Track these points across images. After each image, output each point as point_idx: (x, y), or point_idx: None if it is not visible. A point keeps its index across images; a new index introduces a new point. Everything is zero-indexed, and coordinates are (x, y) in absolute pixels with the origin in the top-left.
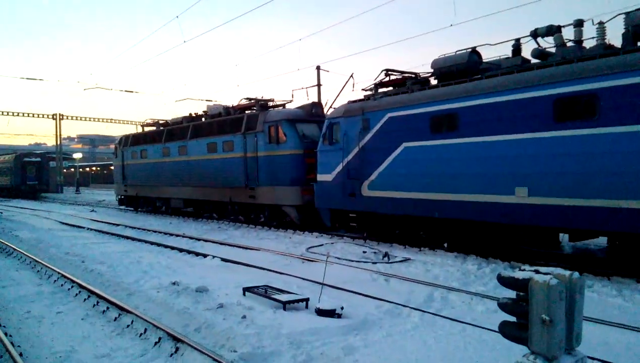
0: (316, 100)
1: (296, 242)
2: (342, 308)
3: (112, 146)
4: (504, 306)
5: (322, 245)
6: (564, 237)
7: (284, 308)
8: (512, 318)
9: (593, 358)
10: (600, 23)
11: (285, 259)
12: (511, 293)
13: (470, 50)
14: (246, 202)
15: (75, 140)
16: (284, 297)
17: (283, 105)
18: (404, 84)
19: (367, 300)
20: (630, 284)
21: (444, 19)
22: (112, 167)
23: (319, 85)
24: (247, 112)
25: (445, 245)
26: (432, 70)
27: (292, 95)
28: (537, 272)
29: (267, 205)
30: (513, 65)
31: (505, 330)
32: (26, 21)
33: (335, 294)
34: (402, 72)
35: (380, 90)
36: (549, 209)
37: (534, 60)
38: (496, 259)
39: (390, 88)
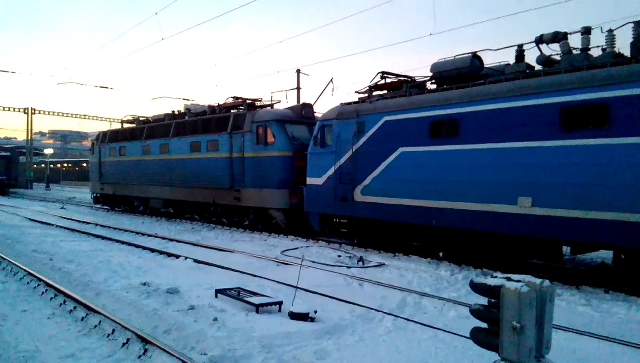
0: (296, 103)
1: (271, 245)
2: (315, 312)
3: (85, 143)
4: (475, 312)
5: (297, 248)
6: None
7: (257, 311)
8: (484, 325)
9: None
10: (610, 31)
11: (259, 262)
12: (483, 300)
13: (471, 54)
14: (230, 204)
15: (47, 135)
16: (256, 300)
17: (271, 106)
18: (400, 87)
19: (341, 305)
20: (599, 294)
21: (424, 27)
22: (88, 164)
23: (298, 88)
24: (233, 111)
25: (441, 254)
26: (430, 74)
27: (272, 97)
28: (509, 279)
29: (253, 208)
30: (518, 71)
31: (476, 336)
32: None
33: (309, 298)
34: (397, 75)
35: (375, 93)
36: (553, 220)
37: (538, 67)
38: (469, 266)
39: (385, 91)
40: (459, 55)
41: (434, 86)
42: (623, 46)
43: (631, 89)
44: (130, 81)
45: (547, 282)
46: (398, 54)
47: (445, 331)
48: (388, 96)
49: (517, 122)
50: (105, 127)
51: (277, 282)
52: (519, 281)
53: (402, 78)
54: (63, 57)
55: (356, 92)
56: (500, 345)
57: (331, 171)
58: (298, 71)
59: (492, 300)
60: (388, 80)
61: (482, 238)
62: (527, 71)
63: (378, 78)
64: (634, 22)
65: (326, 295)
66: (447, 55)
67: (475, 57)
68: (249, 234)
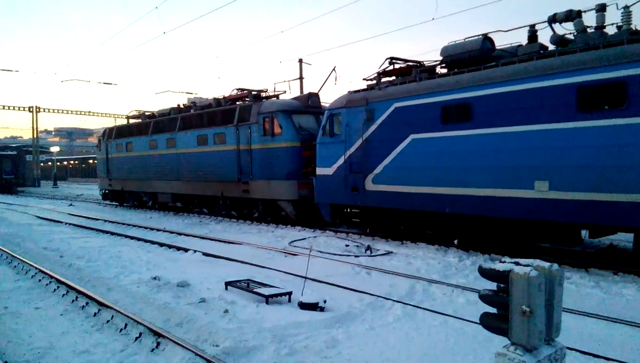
0: (299, 93)
1: (279, 236)
2: (324, 301)
3: (90, 139)
4: (484, 298)
5: (304, 239)
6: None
7: (267, 303)
8: (493, 310)
9: (572, 349)
10: (626, 7)
11: (267, 253)
12: (492, 285)
13: (482, 36)
14: (239, 197)
15: (53, 133)
16: (266, 291)
17: (277, 96)
18: (410, 73)
19: (350, 293)
20: (608, 276)
21: (426, 12)
22: (94, 161)
23: (301, 78)
24: (239, 103)
25: (456, 242)
26: (439, 59)
27: (275, 88)
28: (517, 263)
29: (262, 200)
30: (531, 52)
31: (486, 321)
32: (0, 11)
33: (318, 288)
34: (406, 60)
35: (384, 79)
36: (571, 204)
37: (551, 47)
38: (476, 252)
39: (394, 77)
40: (469, 37)
41: (444, 70)
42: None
43: None
44: (133, 76)
45: (555, 266)
46: (401, 41)
47: (454, 317)
48: (397, 82)
49: (532, 104)
50: (110, 123)
51: (286, 272)
52: (527, 265)
53: (411, 63)
54: (65, 54)
55: (364, 79)
56: (510, 330)
57: (341, 161)
58: (300, 61)
59: (501, 285)
60: (397, 66)
61: (497, 224)
62: (541, 52)
63: (386, 64)
64: None
65: (335, 285)
66: (450, 39)
67: (486, 39)
68: (257, 226)
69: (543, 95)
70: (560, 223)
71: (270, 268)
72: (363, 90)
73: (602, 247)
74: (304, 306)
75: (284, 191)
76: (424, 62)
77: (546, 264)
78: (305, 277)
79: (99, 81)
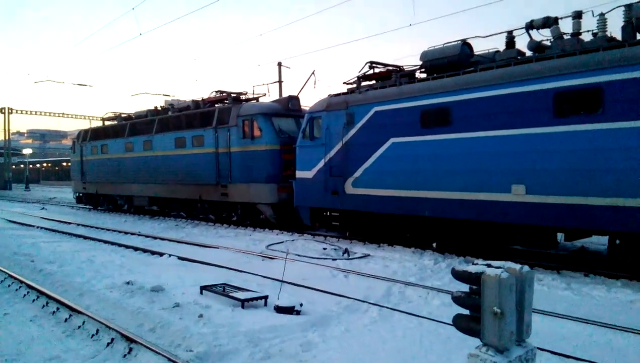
0: (278, 96)
1: (256, 240)
2: (301, 305)
3: (64, 141)
4: (457, 299)
5: (282, 242)
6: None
7: (243, 307)
8: (466, 312)
9: (543, 350)
10: (601, 14)
11: (244, 257)
12: (465, 287)
13: (461, 42)
14: (217, 200)
15: (25, 135)
16: (242, 295)
17: (257, 99)
18: (390, 77)
19: (327, 297)
20: (579, 278)
21: (405, 17)
22: (68, 163)
23: (280, 81)
24: (218, 105)
25: (434, 245)
26: (419, 63)
27: (253, 91)
28: (489, 266)
29: (241, 204)
30: (509, 57)
31: (458, 323)
32: None
33: (295, 291)
34: (386, 65)
35: (364, 83)
36: (548, 208)
37: (529, 53)
38: (452, 254)
39: (374, 81)
40: (448, 43)
41: (423, 75)
42: (614, 30)
43: (624, 72)
44: (108, 78)
45: (526, 268)
46: (380, 45)
47: (429, 319)
48: (377, 86)
49: (510, 109)
50: (84, 125)
51: (263, 276)
52: (499, 267)
53: (391, 68)
54: (39, 55)
55: (344, 82)
56: (482, 331)
57: (321, 164)
58: (279, 64)
59: (474, 287)
60: (377, 70)
61: (475, 227)
62: (519, 58)
63: (366, 68)
64: (624, 6)
65: (312, 288)
66: (428, 45)
67: (465, 44)
68: (234, 229)
69: (521, 101)
70: (537, 227)
71: (247, 272)
72: (343, 93)
73: (574, 250)
74: (280, 310)
75: (264, 194)
76: (404, 67)
77: (517, 266)
78: (282, 281)
79: (74, 82)
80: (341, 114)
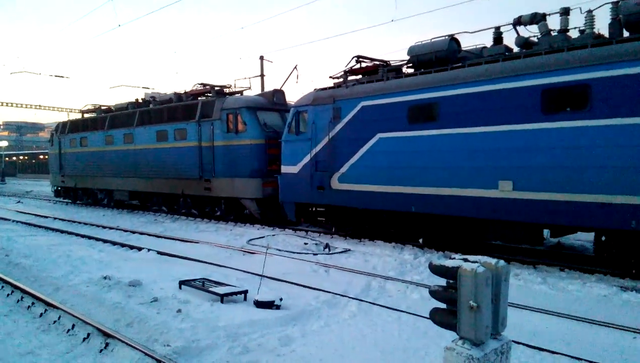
0: (260, 90)
1: (237, 234)
2: (280, 299)
3: (41, 134)
4: (434, 293)
5: (263, 237)
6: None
7: (222, 301)
8: (443, 305)
9: (518, 343)
10: (589, 11)
11: (225, 252)
12: (443, 282)
13: (449, 37)
14: (200, 195)
15: (1, 127)
16: (221, 290)
17: (241, 92)
18: (376, 72)
19: (307, 291)
20: (554, 273)
21: (386, 13)
22: (46, 156)
23: (262, 75)
24: (201, 98)
25: (421, 241)
26: (407, 58)
27: (235, 85)
28: (466, 260)
29: (224, 198)
30: (497, 53)
31: (435, 316)
32: None
33: (275, 286)
34: (373, 59)
35: (351, 78)
36: (535, 204)
37: (516, 50)
38: (431, 249)
39: (361, 76)
40: (436, 38)
41: (411, 70)
42: (602, 27)
43: (612, 69)
44: (87, 70)
45: (502, 262)
46: (364, 40)
47: (407, 313)
48: (364, 81)
49: (498, 105)
50: (62, 117)
51: (243, 271)
52: (475, 262)
53: (378, 62)
54: (15, 45)
55: (331, 77)
56: (459, 325)
57: (307, 159)
58: (261, 58)
59: (451, 281)
60: (364, 65)
61: (462, 223)
62: (506, 54)
63: (353, 62)
64: (612, 3)
65: (292, 283)
66: (411, 40)
67: (453, 40)
68: (215, 224)
69: (508, 97)
70: (524, 223)
71: (227, 267)
72: (330, 88)
73: (551, 245)
74: (259, 304)
75: (248, 189)
76: (391, 62)
77: (493, 261)
78: (262, 275)
79: (51, 74)
80: (328, 108)
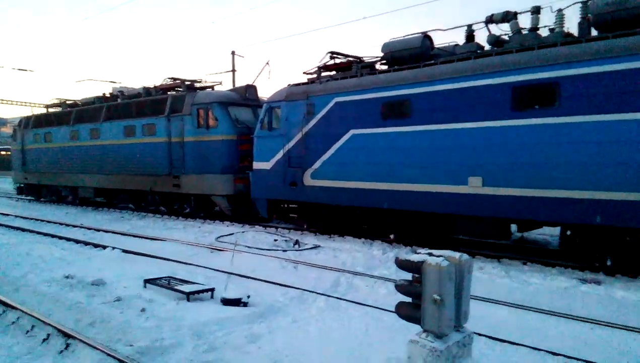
0: (232, 85)
1: (205, 232)
2: (248, 296)
3: (4, 129)
4: (400, 287)
5: (232, 234)
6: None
7: (188, 300)
8: (409, 299)
9: (480, 335)
10: (559, 10)
11: (192, 249)
12: (410, 276)
13: (422, 34)
14: (169, 192)
15: None
16: (187, 288)
17: (212, 87)
18: (350, 68)
19: (275, 288)
20: (518, 266)
21: (357, 11)
22: (9, 152)
23: (233, 70)
24: (171, 93)
25: (392, 236)
26: (380, 55)
27: (205, 80)
28: (431, 254)
29: (194, 195)
30: (469, 51)
31: (400, 310)
32: None
33: (243, 283)
34: (347, 55)
35: (325, 73)
36: (504, 200)
37: (488, 47)
38: (400, 244)
39: (335, 72)
40: (409, 35)
41: (384, 67)
42: (572, 26)
43: (580, 68)
44: (52, 63)
45: (465, 256)
46: (337, 36)
47: (375, 307)
48: (338, 77)
49: (469, 102)
50: (25, 112)
51: (211, 269)
52: (440, 256)
53: (351, 58)
54: None
55: (305, 72)
56: (423, 318)
57: (280, 155)
58: (233, 53)
59: (416, 276)
60: (337, 61)
61: (433, 219)
62: (478, 51)
63: (327, 58)
64: (581, 2)
65: (260, 279)
66: (381, 37)
67: (426, 37)
68: (183, 221)
69: (479, 94)
70: (493, 218)
71: (195, 265)
72: (303, 83)
73: (515, 239)
74: (226, 302)
75: (219, 186)
76: (364, 58)
77: (457, 255)
78: (230, 273)
79: (14, 67)
80: (301, 104)
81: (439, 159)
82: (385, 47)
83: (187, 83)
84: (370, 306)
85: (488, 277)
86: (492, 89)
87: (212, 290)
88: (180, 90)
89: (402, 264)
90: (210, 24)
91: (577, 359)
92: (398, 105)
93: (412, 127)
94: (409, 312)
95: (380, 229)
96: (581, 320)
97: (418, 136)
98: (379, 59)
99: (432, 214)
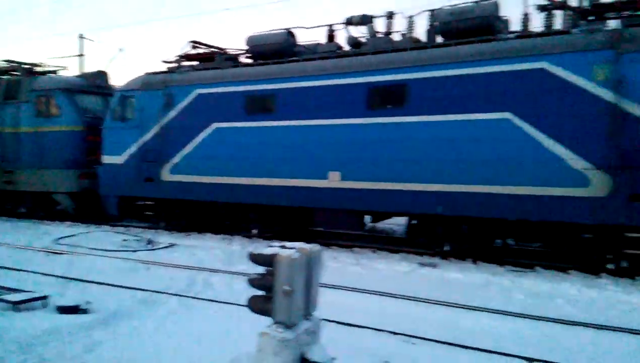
0: (79, 72)
1: (43, 233)
2: (88, 302)
3: None
4: (253, 282)
5: (74, 235)
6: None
7: (16, 310)
8: (262, 293)
9: (330, 321)
10: (410, 17)
11: (24, 253)
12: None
13: (286, 30)
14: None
15: None
16: (15, 297)
17: (55, 72)
18: (212, 59)
19: (122, 291)
20: (367, 254)
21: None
22: None
23: (81, 55)
24: (4, 77)
25: (255, 231)
26: (245, 48)
27: (48, 64)
28: (283, 247)
29: (31, 193)
30: (330, 50)
31: (253, 304)
32: None
33: (85, 288)
34: (210, 46)
35: (186, 63)
36: (360, 193)
37: (347, 48)
38: (260, 239)
39: (197, 62)
40: (274, 30)
41: (249, 60)
42: (422, 33)
43: (426, 71)
44: None
45: (316, 247)
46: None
47: (229, 303)
48: (200, 68)
49: (329, 100)
50: None
51: (46, 274)
52: (292, 248)
53: (214, 49)
54: None
55: (164, 61)
56: (274, 309)
57: (134, 148)
58: (81, 36)
59: (269, 269)
60: (200, 51)
61: (295, 212)
62: (338, 51)
63: (189, 47)
64: (429, 11)
65: (105, 284)
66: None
67: (290, 33)
68: (16, 222)
69: (339, 92)
70: (350, 210)
71: (26, 271)
72: (162, 72)
73: (367, 229)
74: (63, 310)
75: (62, 182)
76: (227, 49)
77: (308, 246)
78: (68, 278)
79: None
80: (159, 94)
81: (301, 154)
82: (250, 41)
83: (24, 67)
84: (225, 302)
85: (341, 265)
86: (350, 88)
87: (44, 297)
88: (16, 74)
89: (255, 258)
90: (54, 4)
91: (414, 337)
92: (262, 100)
93: (275, 122)
94: (261, 305)
95: (243, 224)
96: (421, 301)
97: (281, 131)
98: (243, 51)
99: (294, 208)
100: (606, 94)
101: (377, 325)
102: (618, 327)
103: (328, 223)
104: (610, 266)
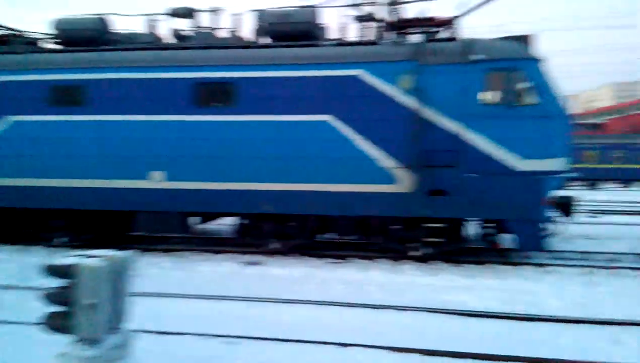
0: None
1: None
2: None
3: None
4: (49, 297)
5: None
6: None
7: None
8: (62, 308)
9: (146, 331)
10: (237, 15)
11: None
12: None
13: (99, 16)
14: None
15: None
16: None
17: None
18: (8, 42)
19: None
20: (189, 256)
21: None
22: None
23: None
24: None
25: (64, 240)
26: (51, 32)
27: None
28: (88, 256)
29: None
30: (150, 41)
31: (50, 322)
32: None
33: None
34: (7, 28)
35: None
36: (187, 194)
37: (169, 40)
38: (70, 247)
39: None
40: (85, 15)
41: (55, 46)
42: (247, 31)
43: (254, 71)
44: None
45: (122, 254)
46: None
47: (24, 324)
48: None
49: (151, 94)
50: None
51: None
52: (96, 257)
53: (13, 31)
54: None
55: None
56: (75, 326)
57: None
58: None
59: (68, 281)
60: None
61: (112, 216)
62: (161, 42)
63: None
64: (257, 11)
65: None
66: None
67: (103, 20)
68: None
69: (162, 86)
70: (173, 212)
71: None
72: None
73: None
74: None
75: None
76: (26, 33)
77: (115, 253)
78: None
79: None
80: None
81: (118, 153)
82: (59, 24)
83: None
84: (17, 323)
85: (162, 271)
86: (174, 82)
87: None
88: None
89: (52, 270)
90: None
91: (236, 336)
92: (71, 91)
93: (86, 116)
94: (60, 322)
95: (46, 234)
96: (240, 300)
97: (94, 127)
98: (47, 36)
99: (110, 212)
100: (410, 101)
101: (198, 330)
102: (419, 307)
103: (149, 227)
104: (413, 253)
